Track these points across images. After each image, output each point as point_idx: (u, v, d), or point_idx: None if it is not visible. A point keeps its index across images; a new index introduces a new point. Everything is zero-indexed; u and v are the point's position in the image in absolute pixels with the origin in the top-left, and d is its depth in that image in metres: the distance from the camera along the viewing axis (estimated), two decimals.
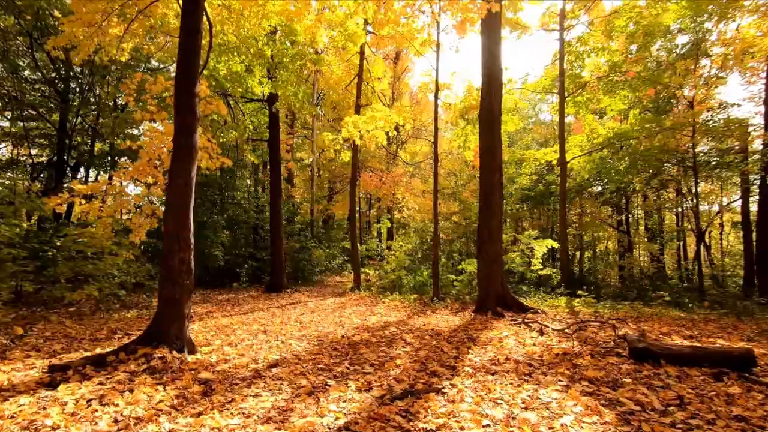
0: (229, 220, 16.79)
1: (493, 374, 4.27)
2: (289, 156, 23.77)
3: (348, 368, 4.56)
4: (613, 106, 14.05)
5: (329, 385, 3.94)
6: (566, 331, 6.35)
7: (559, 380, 4.04)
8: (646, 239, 18.57)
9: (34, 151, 17.63)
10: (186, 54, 5.12)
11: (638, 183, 15.29)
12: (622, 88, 13.19)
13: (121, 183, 8.90)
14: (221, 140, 12.47)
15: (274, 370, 4.45)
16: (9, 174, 12.83)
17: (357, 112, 12.96)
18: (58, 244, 9.01)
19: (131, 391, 3.53)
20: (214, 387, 3.79)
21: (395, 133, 11.54)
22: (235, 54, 11.45)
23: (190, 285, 5.05)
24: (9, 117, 16.32)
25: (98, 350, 5.18)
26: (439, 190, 21.60)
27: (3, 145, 16.12)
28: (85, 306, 8.45)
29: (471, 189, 17.80)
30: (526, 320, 7.26)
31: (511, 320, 7.89)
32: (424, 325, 7.56)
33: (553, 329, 6.41)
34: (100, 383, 3.75)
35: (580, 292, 10.17)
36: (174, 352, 4.61)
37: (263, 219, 17.66)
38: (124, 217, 13.75)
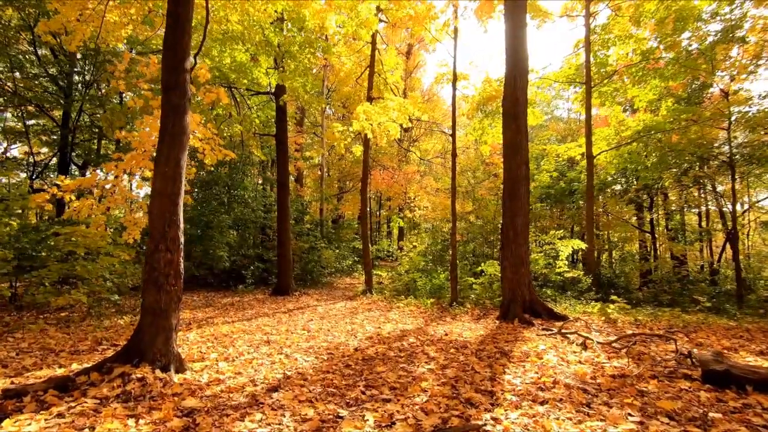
0: (236, 219, 16.16)
1: (542, 404, 3.47)
2: (299, 155, 23.14)
3: (363, 392, 3.80)
4: (642, 96, 13.07)
5: (341, 418, 3.17)
6: (614, 345, 5.50)
7: (629, 414, 3.22)
8: (667, 240, 17.52)
9: (43, 150, 17.28)
10: (174, 22, 4.41)
11: (668, 179, 14.30)
12: (653, 77, 12.23)
13: (116, 177, 8.25)
14: (225, 135, 11.80)
15: (275, 395, 3.70)
16: (6, 171, 12.29)
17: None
18: (52, 243, 8.42)
19: (92, 429, 2.81)
20: (199, 421, 3.04)
21: (409, 124, 10.73)
22: (240, 42, 10.78)
23: (179, 291, 4.32)
24: (11, 114, 15.95)
25: (74, 366, 4.49)
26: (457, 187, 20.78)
27: (4, 143, 15.68)
28: (78, 310, 7.82)
29: (487, 186, 16.94)
30: (562, 331, 6.42)
31: (543, 329, 7.06)
32: (446, 334, 6.76)
33: (597, 342, 5.56)
34: (59, 415, 3.03)
35: (613, 297, 9.28)
36: (157, 372, 3.88)
37: (271, 218, 17.01)
38: (123, 214, 13.18)
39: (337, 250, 19.21)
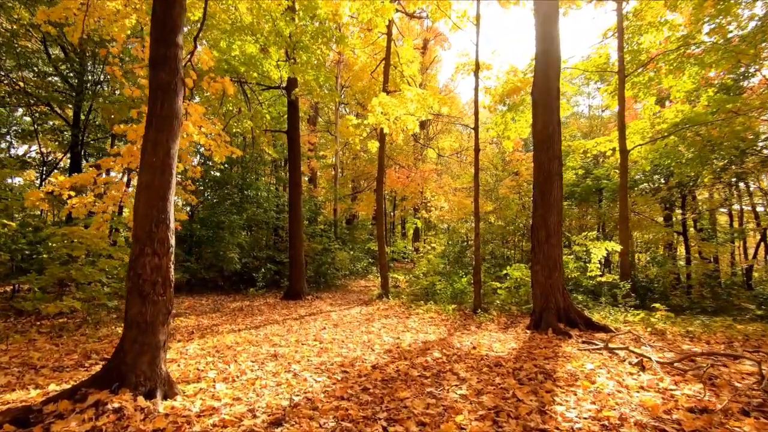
0: (248, 220, 15.66)
1: None
2: (312, 154, 22.61)
3: (385, 428, 3.10)
4: (679, 86, 12.08)
5: None
6: (676, 365, 4.68)
7: None
8: (700, 240, 16.40)
9: (59, 152, 17.10)
10: None
11: (707, 175, 13.25)
12: (692, 65, 11.26)
13: (108, 173, 7.74)
14: (235, 131, 11.26)
15: (277, 431, 3.03)
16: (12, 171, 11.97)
17: None
18: (53, 245, 7.95)
19: None
20: None
21: (430, 116, 9.99)
22: (249, 33, 10.22)
23: (168, 302, 3.70)
24: (22, 112, 15.76)
25: (52, 387, 3.90)
26: (471, 188, 19.93)
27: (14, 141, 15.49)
28: (76, 317, 7.31)
29: (508, 185, 16.07)
30: (609, 346, 5.61)
31: (584, 343, 6.26)
32: (474, 347, 6.02)
33: (657, 362, 4.75)
34: None
35: (656, 304, 8.39)
36: (140, 399, 3.25)
37: (283, 219, 16.45)
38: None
39: (352, 252, 18.56)
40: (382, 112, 9.66)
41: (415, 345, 6.27)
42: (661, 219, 17.36)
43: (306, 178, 24.57)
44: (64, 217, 8.97)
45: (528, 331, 7.46)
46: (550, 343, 6.35)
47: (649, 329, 7.13)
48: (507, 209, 14.60)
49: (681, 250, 19.82)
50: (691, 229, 17.79)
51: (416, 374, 4.59)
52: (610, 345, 5.63)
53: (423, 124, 22.46)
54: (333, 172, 23.84)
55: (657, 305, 8.38)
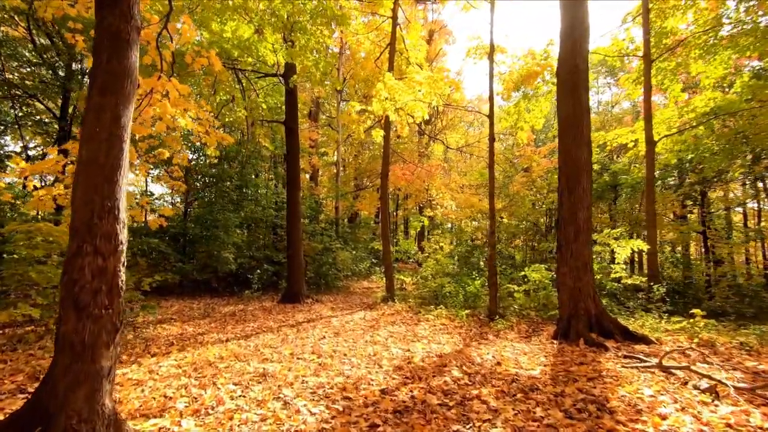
0: (246, 218, 14.80)
1: None
2: (313, 150, 21.76)
3: None
4: (709, 73, 11.17)
5: None
6: (758, 392, 3.78)
7: None
8: (716, 240, 15.47)
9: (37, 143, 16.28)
10: None
11: (738, 170, 12.33)
12: (727, 47, 10.34)
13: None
14: (227, 119, 10.39)
15: None
16: None
17: None
18: (21, 244, 7.10)
19: None
20: None
21: (440, 103, 9.08)
22: (243, 12, 9.37)
23: (115, 316, 2.82)
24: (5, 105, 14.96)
25: None
26: (483, 184, 19.05)
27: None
28: (41, 326, 6.45)
29: (521, 181, 15.16)
30: (662, 363, 4.70)
31: (626, 357, 5.37)
32: (498, 363, 5.13)
33: (734, 387, 3.85)
34: None
35: (695, 310, 7.47)
36: None
37: (282, 217, 15.58)
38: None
39: (354, 252, 17.67)
40: (387, 98, 8.78)
41: (429, 359, 5.38)
42: (673, 216, 16.47)
43: (307, 176, 23.72)
44: (33, 210, 8.13)
45: (554, 342, 6.57)
46: (585, 357, 5.46)
47: (695, 340, 6.22)
48: (520, 206, 13.67)
49: (692, 249, 18.93)
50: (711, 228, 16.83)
51: (435, 402, 3.70)
52: (664, 362, 4.72)
53: (428, 119, 21.59)
54: (335, 170, 23.00)
55: (696, 311, 7.47)
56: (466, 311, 8.88)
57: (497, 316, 8.39)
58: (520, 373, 4.63)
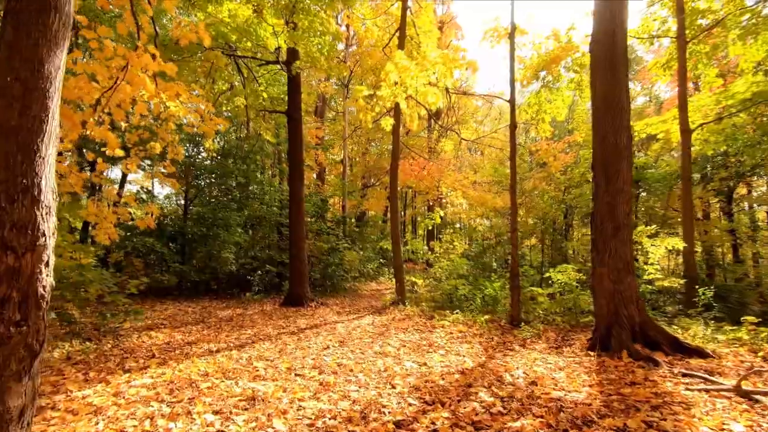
0: (249, 217, 14.09)
1: None
2: (319, 147, 21.02)
3: None
4: (749, 56, 10.22)
5: None
6: None
7: None
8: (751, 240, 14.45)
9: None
10: None
11: None
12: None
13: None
14: (224, 108, 9.66)
15: None
16: None
17: None
18: None
19: None
20: None
21: (457, 83, 8.26)
22: None
23: (35, 336, 2.05)
24: None
25: None
26: (496, 181, 18.16)
27: None
28: None
29: (540, 176, 14.27)
30: (742, 387, 3.83)
31: (685, 376, 4.51)
32: (533, 382, 4.31)
33: None
34: None
35: (747, 317, 6.57)
36: None
37: (287, 215, 14.83)
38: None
39: (362, 252, 16.87)
40: (397, 82, 7.97)
41: (449, 376, 4.57)
42: (700, 214, 15.47)
43: (314, 175, 23.00)
44: None
45: (591, 354, 5.72)
46: (635, 375, 4.62)
47: (760, 353, 5.33)
48: (537, 203, 12.79)
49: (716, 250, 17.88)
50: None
51: None
52: (740, 387, 3.84)
53: (438, 114, 20.74)
54: (341, 168, 22.24)
55: (748, 318, 6.57)
56: (485, 316, 8.04)
57: (521, 323, 7.55)
58: (564, 398, 3.80)
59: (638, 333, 5.73)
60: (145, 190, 15.07)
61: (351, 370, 4.78)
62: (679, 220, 14.12)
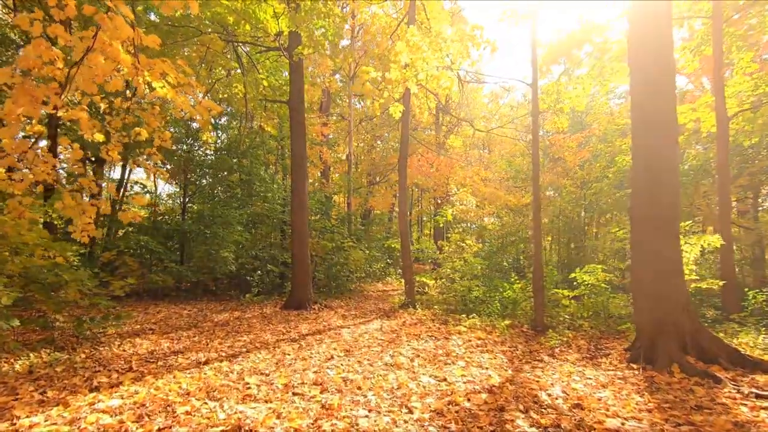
0: (252, 215, 13.42)
1: None
2: (323, 144, 20.34)
3: None
4: None
5: None
6: None
7: None
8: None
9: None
10: None
11: None
12: None
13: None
14: (221, 95, 8.99)
15: None
16: None
17: None
18: None
19: None
20: None
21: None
22: None
23: None
24: None
25: None
26: (509, 177, 17.38)
27: None
28: None
29: (557, 171, 13.49)
30: None
31: (757, 397, 3.76)
32: (577, 405, 3.59)
33: None
34: None
35: None
36: None
37: (289, 213, 14.15)
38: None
39: (368, 251, 16.15)
40: (408, 64, 7.26)
41: (476, 396, 3.84)
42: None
43: (318, 173, 22.33)
44: None
45: (634, 367, 4.96)
46: (695, 395, 3.89)
47: None
48: (557, 198, 12.01)
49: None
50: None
51: None
52: None
53: (447, 108, 20.00)
54: (346, 165, 21.55)
55: None
56: (507, 322, 7.30)
57: (545, 329, 6.81)
58: (623, 429, 3.07)
59: (689, 343, 4.97)
60: (146, 190, 14.46)
61: (359, 388, 4.07)
62: (701, 218, 13.33)
